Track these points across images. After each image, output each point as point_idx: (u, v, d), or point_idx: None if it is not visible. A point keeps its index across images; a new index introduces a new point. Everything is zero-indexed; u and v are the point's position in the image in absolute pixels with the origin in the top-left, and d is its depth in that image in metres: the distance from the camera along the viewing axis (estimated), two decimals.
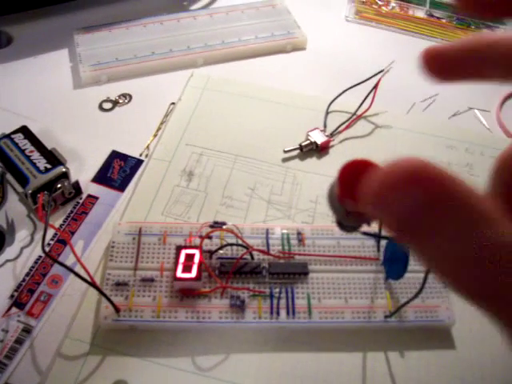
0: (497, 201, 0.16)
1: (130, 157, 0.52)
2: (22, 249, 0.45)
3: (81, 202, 0.48)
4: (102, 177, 0.51)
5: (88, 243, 0.46)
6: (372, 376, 0.40)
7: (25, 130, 0.50)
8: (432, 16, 0.73)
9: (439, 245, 0.13)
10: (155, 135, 0.55)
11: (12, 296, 0.42)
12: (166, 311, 0.40)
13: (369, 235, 0.44)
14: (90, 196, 0.49)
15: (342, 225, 0.21)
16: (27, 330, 0.40)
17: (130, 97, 0.59)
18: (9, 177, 0.47)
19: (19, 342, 0.40)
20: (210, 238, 0.44)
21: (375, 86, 0.55)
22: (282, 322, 0.40)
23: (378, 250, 0.44)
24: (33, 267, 0.44)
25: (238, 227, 0.44)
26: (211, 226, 0.44)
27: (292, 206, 0.49)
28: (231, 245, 0.43)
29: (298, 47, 0.67)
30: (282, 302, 0.41)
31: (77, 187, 0.48)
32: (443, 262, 0.14)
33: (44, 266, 0.44)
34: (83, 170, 0.51)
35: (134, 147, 0.53)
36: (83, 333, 0.40)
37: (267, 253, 0.43)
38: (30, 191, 0.45)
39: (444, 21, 0.72)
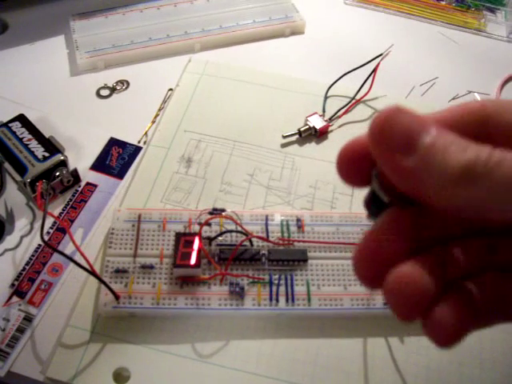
0: None
1: (128, 144, 0.52)
2: (21, 237, 0.45)
3: (79, 189, 0.48)
4: (101, 164, 0.50)
5: (87, 231, 0.46)
6: (372, 361, 0.40)
7: (22, 119, 0.49)
8: None
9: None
10: (153, 122, 0.54)
11: (13, 285, 0.42)
12: (166, 298, 0.40)
13: None
14: (88, 184, 0.49)
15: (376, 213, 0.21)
16: (28, 319, 0.40)
17: (128, 83, 0.58)
18: (7, 166, 0.47)
19: (20, 330, 0.40)
20: (209, 224, 0.44)
21: (374, 70, 0.55)
22: (281, 308, 0.41)
23: None
24: (33, 256, 0.44)
25: (237, 214, 0.44)
26: (210, 213, 0.44)
27: (291, 192, 0.49)
28: (230, 231, 0.43)
29: (297, 31, 0.66)
30: (282, 288, 0.41)
31: (75, 175, 0.48)
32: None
33: (44, 254, 0.44)
34: (81, 158, 0.50)
35: (132, 134, 0.53)
36: (84, 321, 0.40)
37: (266, 239, 0.43)
38: (28, 180, 0.45)
39: (443, 3, 0.71)
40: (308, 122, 0.53)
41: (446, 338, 0.19)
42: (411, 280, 0.19)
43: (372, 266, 0.20)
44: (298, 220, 0.45)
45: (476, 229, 0.21)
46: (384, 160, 0.19)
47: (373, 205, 0.21)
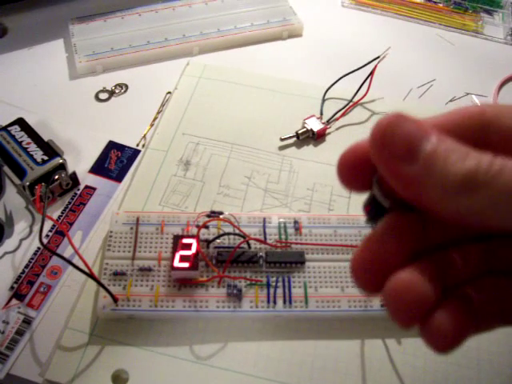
0: None
1: (126, 147, 0.53)
2: (20, 241, 0.45)
3: (78, 193, 0.49)
4: (99, 167, 0.51)
5: (86, 234, 0.46)
6: (369, 363, 0.40)
7: (21, 122, 0.50)
8: (429, 0, 0.72)
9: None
10: (152, 125, 0.55)
11: (12, 288, 0.42)
12: (164, 300, 0.40)
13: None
14: (87, 187, 0.49)
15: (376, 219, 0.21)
16: (27, 322, 0.41)
17: (126, 87, 0.59)
18: (6, 169, 0.47)
19: (20, 333, 0.40)
20: (207, 227, 0.44)
21: (371, 73, 0.55)
22: (278, 310, 0.41)
23: None
24: (32, 259, 0.44)
25: (234, 216, 0.45)
26: (208, 216, 0.44)
27: (289, 194, 0.49)
28: (228, 234, 0.44)
29: (295, 34, 0.66)
30: (279, 290, 0.41)
31: (74, 178, 0.48)
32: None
33: (43, 257, 0.44)
34: (80, 161, 0.51)
35: (130, 137, 0.53)
36: (82, 323, 0.41)
37: (264, 242, 0.43)
38: (27, 183, 0.45)
39: (441, 5, 0.72)
40: (306, 125, 0.54)
41: (444, 344, 0.19)
42: (410, 287, 0.19)
43: (370, 272, 0.20)
44: (296, 222, 0.45)
45: (475, 234, 0.21)
46: (385, 167, 0.19)
47: (372, 210, 0.21)
